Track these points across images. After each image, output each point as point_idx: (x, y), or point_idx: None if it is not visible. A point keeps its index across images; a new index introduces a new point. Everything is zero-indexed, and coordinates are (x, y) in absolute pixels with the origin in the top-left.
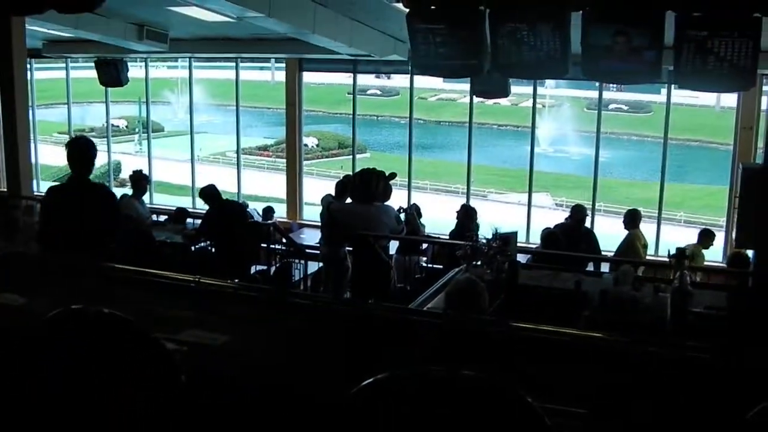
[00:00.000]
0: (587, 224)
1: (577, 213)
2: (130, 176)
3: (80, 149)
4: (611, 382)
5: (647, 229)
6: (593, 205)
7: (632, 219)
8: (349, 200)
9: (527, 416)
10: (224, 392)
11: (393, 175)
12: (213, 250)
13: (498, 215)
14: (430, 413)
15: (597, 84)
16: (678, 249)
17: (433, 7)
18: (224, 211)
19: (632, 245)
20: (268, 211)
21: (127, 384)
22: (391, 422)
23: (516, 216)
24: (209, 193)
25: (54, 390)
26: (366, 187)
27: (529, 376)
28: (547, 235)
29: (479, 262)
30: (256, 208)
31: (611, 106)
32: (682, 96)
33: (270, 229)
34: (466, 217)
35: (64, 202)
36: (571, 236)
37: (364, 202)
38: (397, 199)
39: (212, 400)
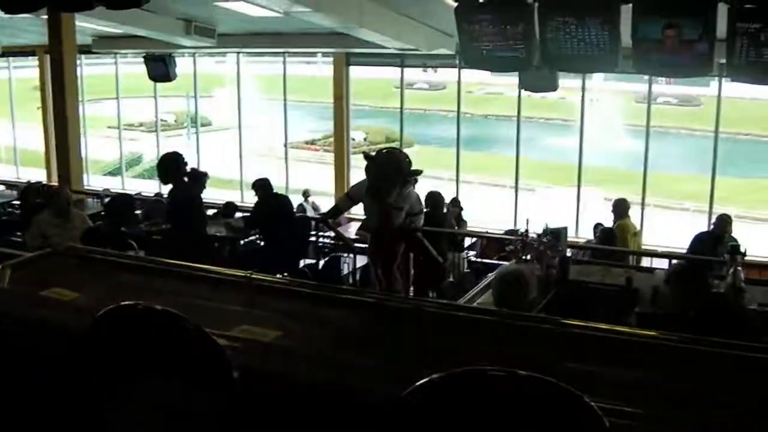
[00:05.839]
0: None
1: (722, 223)
2: (188, 173)
3: None
4: (666, 382)
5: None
6: (643, 199)
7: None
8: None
9: (586, 416)
10: (277, 389)
11: (418, 172)
12: (262, 243)
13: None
14: (486, 413)
15: (646, 77)
16: (732, 245)
17: (481, 1)
18: (273, 203)
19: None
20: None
21: (180, 381)
22: (447, 422)
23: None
24: (261, 184)
25: (107, 387)
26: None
27: (581, 373)
28: (604, 231)
29: (529, 257)
30: (314, 200)
31: (660, 100)
32: (731, 88)
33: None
34: (435, 206)
35: None
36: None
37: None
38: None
39: (265, 396)
